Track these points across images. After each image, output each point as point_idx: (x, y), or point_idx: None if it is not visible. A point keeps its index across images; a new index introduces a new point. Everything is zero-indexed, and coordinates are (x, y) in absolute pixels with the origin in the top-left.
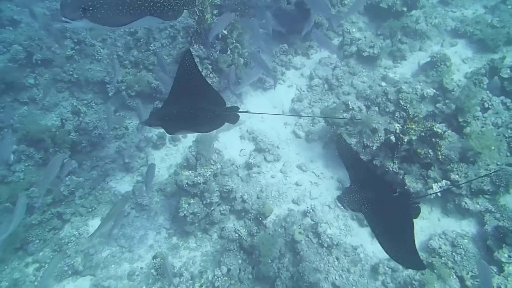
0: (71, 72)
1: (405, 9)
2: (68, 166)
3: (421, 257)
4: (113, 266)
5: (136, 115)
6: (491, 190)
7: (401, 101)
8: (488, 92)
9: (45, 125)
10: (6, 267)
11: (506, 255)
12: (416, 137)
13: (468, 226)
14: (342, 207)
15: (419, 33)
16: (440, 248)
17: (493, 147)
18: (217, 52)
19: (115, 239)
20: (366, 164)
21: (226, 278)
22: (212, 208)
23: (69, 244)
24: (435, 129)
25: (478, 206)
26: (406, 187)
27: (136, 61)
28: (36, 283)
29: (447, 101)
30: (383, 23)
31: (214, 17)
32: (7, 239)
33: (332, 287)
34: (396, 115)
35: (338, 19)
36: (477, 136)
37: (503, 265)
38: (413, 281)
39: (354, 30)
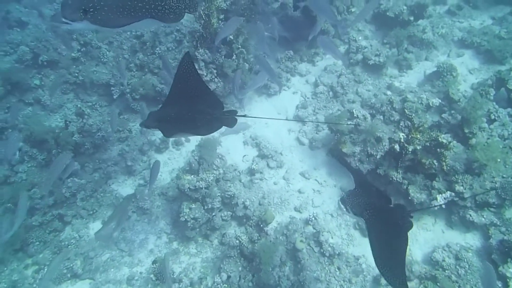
0: (76, 74)
1: (411, 18)
2: (71, 168)
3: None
4: (112, 270)
5: (140, 117)
6: (496, 203)
7: (406, 110)
8: (494, 103)
9: (49, 126)
10: (5, 268)
11: (511, 270)
12: (420, 147)
13: (472, 239)
14: (345, 209)
15: (425, 43)
16: (443, 260)
17: (499, 159)
18: (223, 56)
19: (115, 242)
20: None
21: (226, 285)
22: (213, 214)
23: (69, 246)
24: (440, 139)
25: (483, 219)
26: (410, 198)
27: (141, 64)
28: (35, 285)
29: (453, 111)
30: (389, 32)
31: (220, 21)
32: (8, 239)
33: None
34: (401, 124)
35: (345, 26)
36: (483, 147)
37: (508, 280)
38: None
39: (360, 38)
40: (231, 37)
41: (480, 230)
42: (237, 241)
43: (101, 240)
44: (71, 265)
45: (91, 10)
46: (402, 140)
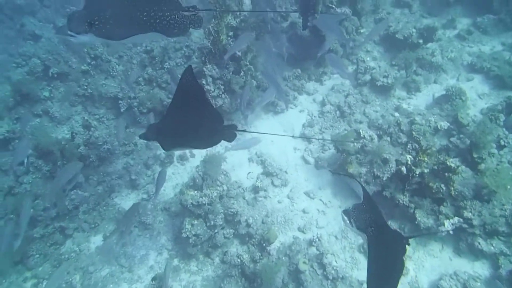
0: (85, 87)
1: (421, 41)
2: (76, 179)
3: None
4: (111, 286)
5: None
6: (506, 231)
7: (414, 133)
8: (504, 129)
9: (55, 137)
10: (4, 281)
11: None
12: (428, 170)
13: (481, 268)
14: (348, 222)
15: (434, 66)
16: None
17: (509, 186)
18: (230, 73)
19: (116, 257)
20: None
21: None
22: (215, 231)
23: (69, 260)
24: (448, 163)
25: (492, 247)
26: (416, 222)
27: (150, 79)
28: None
29: (461, 135)
30: (398, 54)
31: (229, 38)
32: (8, 251)
33: None
34: (408, 146)
35: (354, 45)
36: (492, 173)
37: None
38: None
39: (368, 59)
40: (240, 53)
41: (489, 259)
42: (239, 260)
43: None
44: (70, 279)
45: (96, 23)
46: (409, 163)
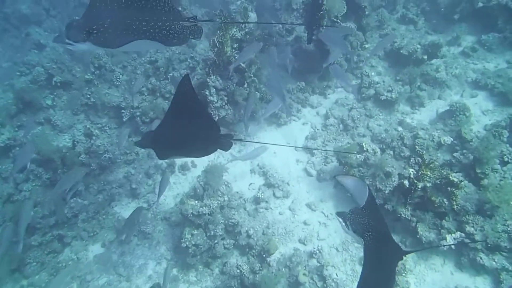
0: (88, 96)
1: (425, 57)
2: (76, 187)
3: None
4: None
5: None
6: (508, 247)
7: (417, 147)
8: (508, 145)
9: (56, 145)
10: None
11: None
12: (430, 184)
13: (483, 284)
14: (344, 224)
15: (438, 82)
16: None
17: (511, 202)
18: (234, 84)
19: (114, 266)
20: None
21: None
22: (215, 241)
23: (67, 268)
24: (451, 177)
25: (494, 263)
26: (418, 236)
27: (153, 89)
28: None
29: (464, 151)
30: (402, 70)
31: (233, 50)
32: (5, 259)
33: None
34: (411, 160)
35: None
36: (495, 189)
37: None
38: None
39: (373, 73)
40: (244, 65)
41: (491, 275)
42: (238, 271)
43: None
44: None
45: (94, 31)
46: (411, 176)
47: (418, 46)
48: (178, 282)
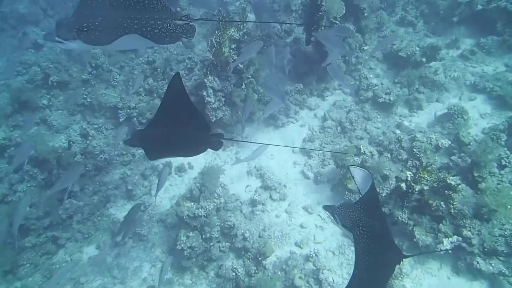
0: (85, 96)
1: (424, 59)
2: (71, 188)
3: None
4: None
5: None
6: (505, 251)
7: (414, 149)
8: (506, 149)
9: (52, 146)
10: None
11: None
12: (428, 187)
13: None
14: (332, 217)
15: (437, 84)
16: None
17: (509, 206)
18: (232, 85)
19: (109, 268)
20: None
21: None
22: (211, 244)
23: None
24: (448, 180)
25: (491, 267)
26: (415, 240)
27: (150, 89)
28: None
29: (462, 154)
30: (401, 72)
31: (231, 51)
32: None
33: None
34: (408, 163)
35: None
36: (493, 193)
37: None
38: None
39: (371, 76)
40: (242, 66)
41: (487, 279)
42: (233, 274)
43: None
44: None
45: (85, 29)
46: (409, 179)
47: (417, 49)
48: (173, 285)
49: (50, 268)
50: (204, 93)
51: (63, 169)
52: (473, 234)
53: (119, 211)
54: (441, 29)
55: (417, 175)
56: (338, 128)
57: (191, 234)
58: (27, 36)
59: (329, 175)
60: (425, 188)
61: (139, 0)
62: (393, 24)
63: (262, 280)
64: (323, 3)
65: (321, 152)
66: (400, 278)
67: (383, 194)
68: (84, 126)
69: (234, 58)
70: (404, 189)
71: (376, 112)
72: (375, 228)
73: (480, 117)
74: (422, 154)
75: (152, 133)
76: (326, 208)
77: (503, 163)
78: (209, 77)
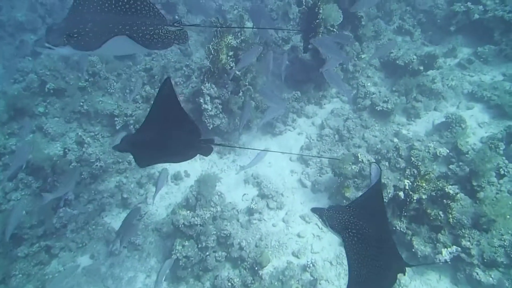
0: (81, 103)
1: (421, 68)
2: (65, 196)
3: None
4: None
5: None
6: (505, 262)
7: (412, 158)
8: (504, 158)
9: (47, 153)
10: None
11: None
12: (426, 196)
13: None
14: (321, 220)
15: (434, 93)
16: None
17: (508, 216)
18: (229, 92)
19: (102, 279)
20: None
21: None
22: (207, 253)
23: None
24: (446, 189)
25: (490, 279)
26: (413, 250)
27: (147, 96)
28: None
29: (460, 163)
30: (398, 80)
31: (229, 58)
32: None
33: None
34: (406, 172)
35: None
36: (492, 202)
37: None
38: None
39: (369, 84)
40: (239, 73)
41: None
42: (229, 284)
43: None
44: None
45: (75, 35)
46: (407, 187)
47: (414, 57)
48: None
49: (42, 278)
50: (201, 100)
51: (57, 177)
52: (472, 245)
53: (114, 219)
54: (438, 38)
55: (415, 184)
56: (336, 136)
57: (186, 243)
58: (24, 43)
59: (326, 183)
60: (423, 197)
61: (130, 6)
62: (391, 33)
63: None
64: (321, 11)
65: (319, 160)
66: None
67: None
68: (80, 134)
69: (232, 65)
70: (402, 197)
71: (374, 120)
72: (367, 232)
73: (478, 126)
74: (420, 163)
75: (141, 138)
76: (314, 210)
77: (502, 172)
78: (206, 84)
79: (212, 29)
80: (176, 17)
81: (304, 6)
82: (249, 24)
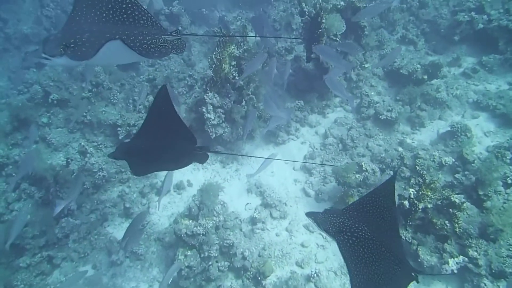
0: (85, 114)
1: (425, 77)
2: (68, 205)
3: None
4: None
5: None
6: None
7: (417, 167)
8: (511, 167)
9: (50, 164)
10: None
11: None
12: (431, 205)
13: None
14: (313, 222)
15: (439, 102)
16: None
17: None
18: (232, 102)
19: None
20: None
21: None
22: (209, 263)
23: None
24: (452, 198)
25: None
26: (419, 260)
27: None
28: None
29: (466, 172)
30: (402, 90)
31: (231, 67)
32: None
33: None
34: (411, 181)
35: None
36: (499, 212)
37: None
38: None
39: (373, 93)
40: (242, 83)
41: None
42: None
43: None
44: None
45: (71, 45)
46: (412, 196)
47: (418, 66)
48: None
49: None
50: (204, 110)
51: (60, 187)
52: (479, 255)
53: (117, 229)
54: (442, 47)
55: (420, 193)
56: (340, 145)
57: (189, 253)
58: (29, 56)
59: (330, 193)
60: (429, 206)
61: (128, 16)
62: (394, 43)
63: None
64: (324, 21)
65: (323, 169)
66: None
67: None
68: (82, 144)
69: (234, 74)
70: (407, 207)
71: (377, 129)
72: (366, 235)
73: (483, 135)
74: (425, 172)
75: (136, 145)
76: (309, 214)
77: (509, 181)
78: (209, 94)
79: (215, 39)
80: (180, 28)
81: (307, 16)
82: (252, 34)
